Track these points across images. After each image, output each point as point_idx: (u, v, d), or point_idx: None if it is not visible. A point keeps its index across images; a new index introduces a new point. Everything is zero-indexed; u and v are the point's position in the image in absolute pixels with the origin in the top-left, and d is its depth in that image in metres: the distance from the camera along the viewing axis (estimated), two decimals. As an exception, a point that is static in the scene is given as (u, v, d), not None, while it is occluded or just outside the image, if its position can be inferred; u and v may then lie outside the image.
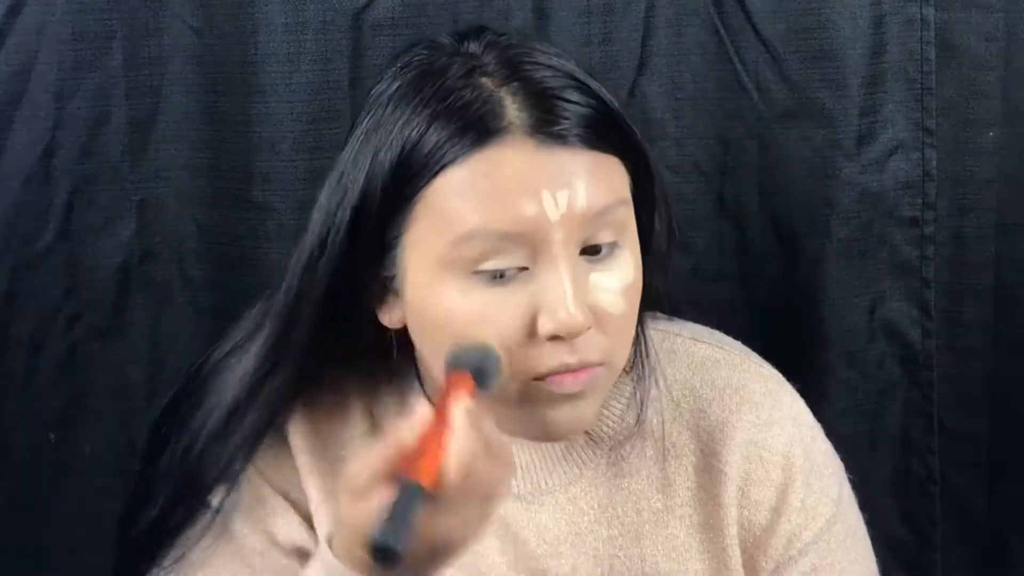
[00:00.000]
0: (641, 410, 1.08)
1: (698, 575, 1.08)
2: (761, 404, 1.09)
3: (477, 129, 0.95)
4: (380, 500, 0.85)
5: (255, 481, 1.09)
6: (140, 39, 1.41)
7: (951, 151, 1.44)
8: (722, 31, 1.42)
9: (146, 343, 1.46)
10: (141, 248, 1.45)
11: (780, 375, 1.13)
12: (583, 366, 0.97)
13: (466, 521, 0.88)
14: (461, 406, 0.89)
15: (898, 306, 1.46)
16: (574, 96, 0.97)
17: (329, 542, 0.93)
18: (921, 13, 1.41)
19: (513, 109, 0.95)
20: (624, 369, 1.06)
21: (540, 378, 0.97)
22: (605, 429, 1.09)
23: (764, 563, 1.08)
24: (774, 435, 1.08)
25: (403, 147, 0.96)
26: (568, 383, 0.97)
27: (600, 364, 0.98)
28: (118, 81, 1.42)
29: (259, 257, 1.43)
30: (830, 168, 1.43)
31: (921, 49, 1.42)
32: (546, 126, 0.95)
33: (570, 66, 1.00)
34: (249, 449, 1.07)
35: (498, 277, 0.95)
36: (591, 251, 0.97)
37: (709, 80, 1.43)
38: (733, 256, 1.46)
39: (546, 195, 0.94)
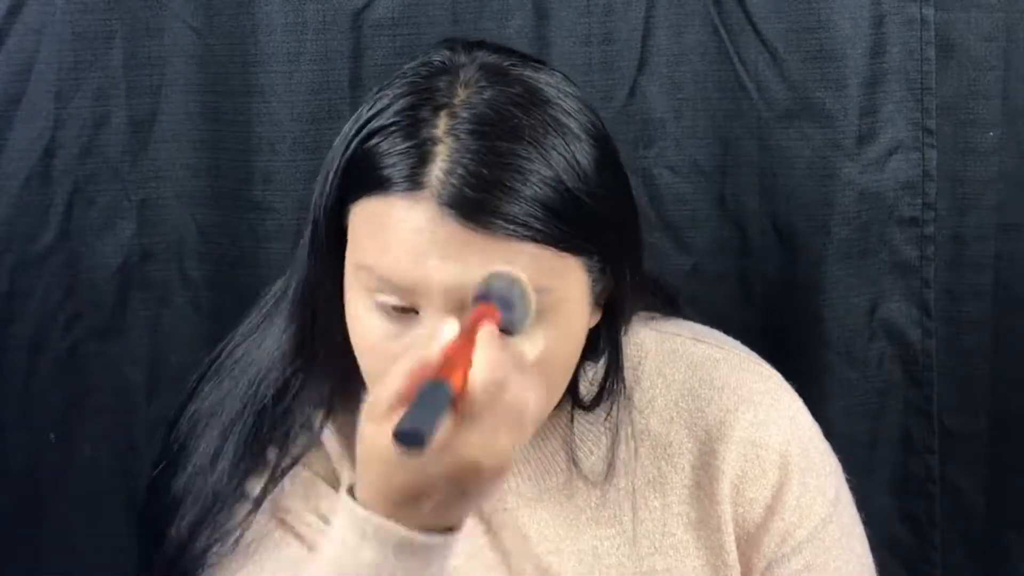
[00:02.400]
0: (613, 454, 1.08)
1: (696, 572, 1.09)
2: (759, 403, 1.10)
3: (400, 175, 0.94)
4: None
5: (301, 472, 1.08)
6: (140, 39, 1.41)
7: (951, 151, 1.44)
8: (722, 31, 1.42)
9: (146, 343, 1.46)
10: (141, 248, 1.45)
11: (779, 374, 1.13)
12: None
13: (495, 445, 0.85)
14: (488, 328, 0.87)
15: (898, 306, 1.46)
16: (515, 183, 0.93)
17: (350, 490, 0.91)
18: (921, 13, 1.41)
19: (440, 170, 0.93)
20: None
21: None
22: (593, 449, 1.09)
23: (757, 560, 1.09)
24: (771, 434, 1.09)
25: (360, 150, 0.97)
26: None
27: None
28: (118, 81, 1.42)
29: (259, 257, 1.43)
30: (830, 168, 1.43)
31: (921, 49, 1.42)
32: (458, 203, 0.92)
33: (550, 143, 0.95)
34: (282, 449, 1.07)
35: (394, 310, 0.95)
36: None
37: (709, 80, 1.43)
38: (733, 256, 1.46)
39: (434, 264, 0.93)
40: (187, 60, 1.42)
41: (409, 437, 0.78)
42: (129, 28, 1.41)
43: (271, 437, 1.06)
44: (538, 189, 0.93)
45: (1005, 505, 1.49)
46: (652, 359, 1.11)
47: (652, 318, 1.13)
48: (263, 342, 1.09)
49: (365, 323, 0.98)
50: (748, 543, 1.09)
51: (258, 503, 1.06)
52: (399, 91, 0.98)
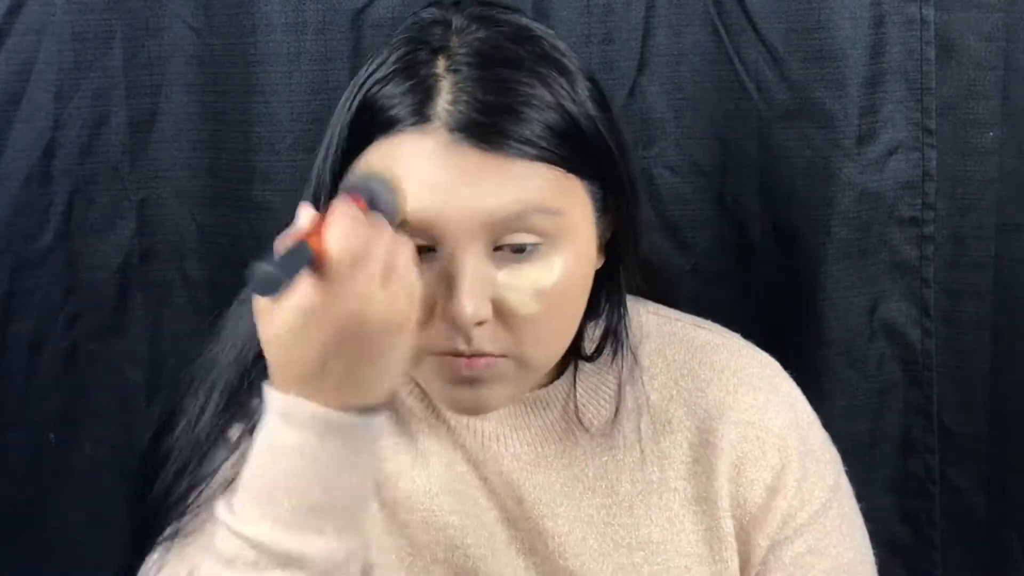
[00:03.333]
0: (618, 409, 1.10)
1: (691, 546, 1.10)
2: (759, 387, 1.11)
3: (407, 111, 0.97)
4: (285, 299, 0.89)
5: None
6: (140, 39, 1.41)
7: (951, 151, 1.44)
8: (722, 31, 1.42)
9: (146, 343, 1.46)
10: (141, 248, 1.45)
11: (777, 363, 1.15)
12: (478, 355, 0.99)
13: (371, 297, 0.89)
14: (342, 202, 0.91)
15: (898, 306, 1.47)
16: (520, 107, 0.97)
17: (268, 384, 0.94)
18: (921, 13, 1.41)
19: (444, 101, 0.97)
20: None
21: (439, 354, 0.99)
22: (595, 419, 1.10)
23: (760, 540, 1.10)
24: (771, 418, 1.10)
25: (362, 103, 1.00)
26: (462, 369, 0.99)
27: (503, 356, 0.99)
28: (118, 81, 1.42)
29: (259, 257, 1.43)
30: (830, 168, 1.43)
31: (921, 49, 1.42)
32: (468, 127, 0.96)
33: (547, 72, 0.99)
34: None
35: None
36: (508, 248, 0.98)
37: (709, 80, 1.43)
38: (733, 256, 1.47)
39: (446, 191, 0.96)
40: (187, 60, 1.42)
41: (261, 279, 0.85)
42: (129, 28, 1.41)
43: (251, 391, 1.07)
44: (541, 111, 0.97)
45: (1005, 505, 1.49)
46: (653, 340, 1.13)
47: (652, 303, 1.15)
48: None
49: None
50: (751, 524, 1.10)
51: (235, 447, 1.06)
52: (394, 46, 1.01)
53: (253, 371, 1.06)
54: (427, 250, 0.98)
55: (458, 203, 0.96)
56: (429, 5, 1.06)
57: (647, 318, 1.13)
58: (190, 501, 1.05)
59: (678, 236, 1.45)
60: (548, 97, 0.98)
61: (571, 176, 0.99)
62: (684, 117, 1.44)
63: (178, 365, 1.41)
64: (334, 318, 0.89)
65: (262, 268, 0.86)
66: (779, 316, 1.46)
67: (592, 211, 1.03)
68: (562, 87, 0.99)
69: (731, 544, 1.10)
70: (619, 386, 1.10)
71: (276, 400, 0.92)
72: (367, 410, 0.93)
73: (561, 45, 1.03)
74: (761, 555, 1.10)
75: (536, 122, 0.97)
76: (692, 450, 1.10)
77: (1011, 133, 1.43)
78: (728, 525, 1.10)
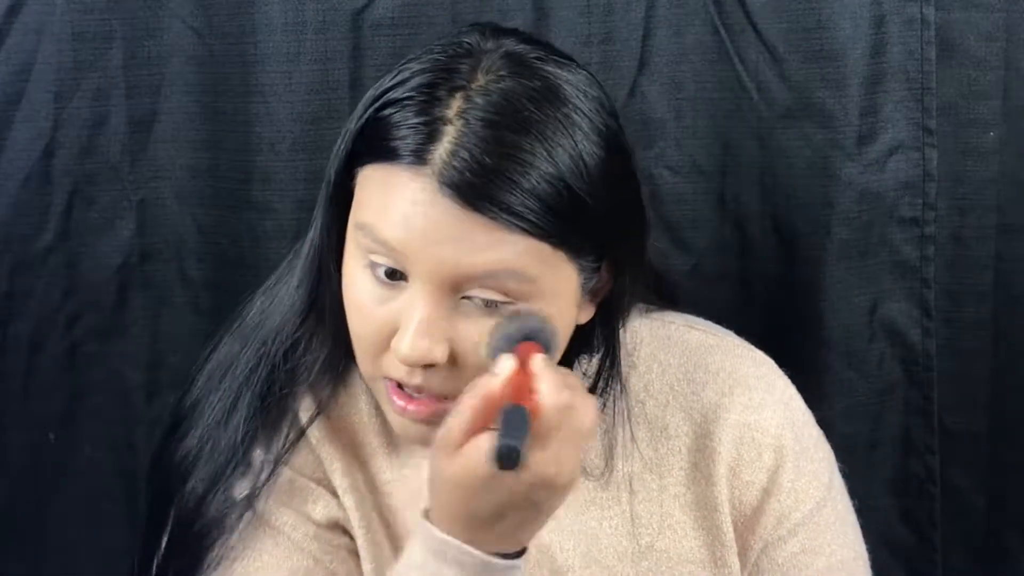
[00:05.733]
0: (610, 448, 1.10)
1: (693, 552, 1.10)
2: (754, 387, 1.11)
3: (407, 148, 0.96)
4: (478, 445, 0.88)
5: (284, 472, 1.09)
6: (140, 39, 1.41)
7: (951, 151, 1.44)
8: (722, 31, 1.42)
9: (146, 343, 1.46)
10: (141, 248, 1.45)
11: (772, 361, 1.15)
12: (420, 391, 0.99)
13: (566, 460, 0.90)
14: (542, 357, 0.92)
15: (898, 306, 1.47)
16: (515, 175, 0.94)
17: (427, 515, 0.94)
18: (921, 13, 1.41)
19: (443, 150, 0.94)
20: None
21: (390, 380, 1.00)
22: (588, 456, 1.10)
23: (753, 543, 1.10)
24: (766, 418, 1.10)
25: (371, 118, 0.99)
26: (407, 405, 1.00)
27: (447, 398, 0.98)
28: (118, 81, 1.42)
29: (259, 257, 1.43)
30: (830, 168, 1.43)
31: (921, 49, 1.42)
32: (456, 185, 0.94)
33: (557, 140, 0.95)
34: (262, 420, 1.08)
35: (385, 277, 0.98)
36: (478, 298, 0.97)
37: (709, 80, 1.43)
38: (733, 256, 1.46)
39: (423, 237, 0.95)
40: (187, 60, 1.42)
41: (507, 455, 0.84)
42: (129, 28, 1.41)
43: (280, 396, 1.08)
44: (537, 183, 0.95)
45: (1005, 505, 1.49)
46: (647, 345, 1.12)
47: (648, 309, 1.15)
48: (276, 298, 1.10)
49: (358, 283, 1.00)
50: (745, 526, 1.10)
51: (243, 505, 1.07)
52: (421, 67, 0.99)
53: (282, 369, 1.07)
54: (399, 278, 0.97)
55: (433, 252, 0.95)
56: (474, 25, 1.04)
57: (640, 323, 1.13)
58: (229, 523, 1.07)
59: (678, 236, 1.45)
60: (548, 168, 0.95)
61: (556, 250, 0.97)
62: (684, 117, 1.44)
63: (178, 365, 1.43)
64: (528, 479, 0.89)
65: (507, 445, 0.85)
66: (779, 316, 1.46)
67: (577, 279, 1.00)
68: (569, 155, 0.96)
69: (733, 548, 1.10)
70: (612, 420, 1.09)
71: (439, 541, 0.93)
72: (517, 555, 0.94)
73: (588, 107, 0.98)
74: (754, 557, 1.10)
75: (527, 192, 0.94)
76: (690, 455, 1.10)
77: (1011, 133, 1.43)
78: (728, 528, 1.10)
